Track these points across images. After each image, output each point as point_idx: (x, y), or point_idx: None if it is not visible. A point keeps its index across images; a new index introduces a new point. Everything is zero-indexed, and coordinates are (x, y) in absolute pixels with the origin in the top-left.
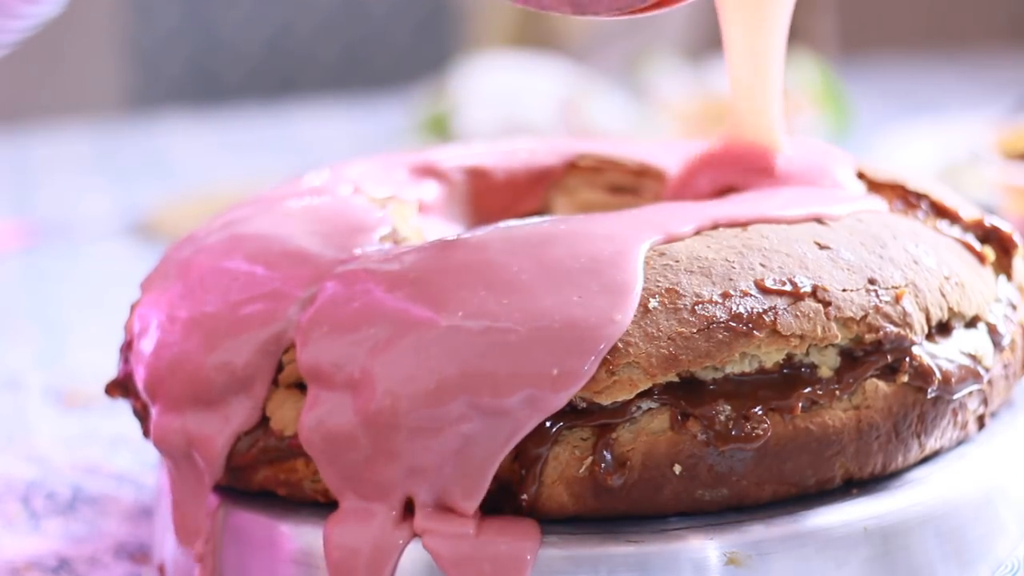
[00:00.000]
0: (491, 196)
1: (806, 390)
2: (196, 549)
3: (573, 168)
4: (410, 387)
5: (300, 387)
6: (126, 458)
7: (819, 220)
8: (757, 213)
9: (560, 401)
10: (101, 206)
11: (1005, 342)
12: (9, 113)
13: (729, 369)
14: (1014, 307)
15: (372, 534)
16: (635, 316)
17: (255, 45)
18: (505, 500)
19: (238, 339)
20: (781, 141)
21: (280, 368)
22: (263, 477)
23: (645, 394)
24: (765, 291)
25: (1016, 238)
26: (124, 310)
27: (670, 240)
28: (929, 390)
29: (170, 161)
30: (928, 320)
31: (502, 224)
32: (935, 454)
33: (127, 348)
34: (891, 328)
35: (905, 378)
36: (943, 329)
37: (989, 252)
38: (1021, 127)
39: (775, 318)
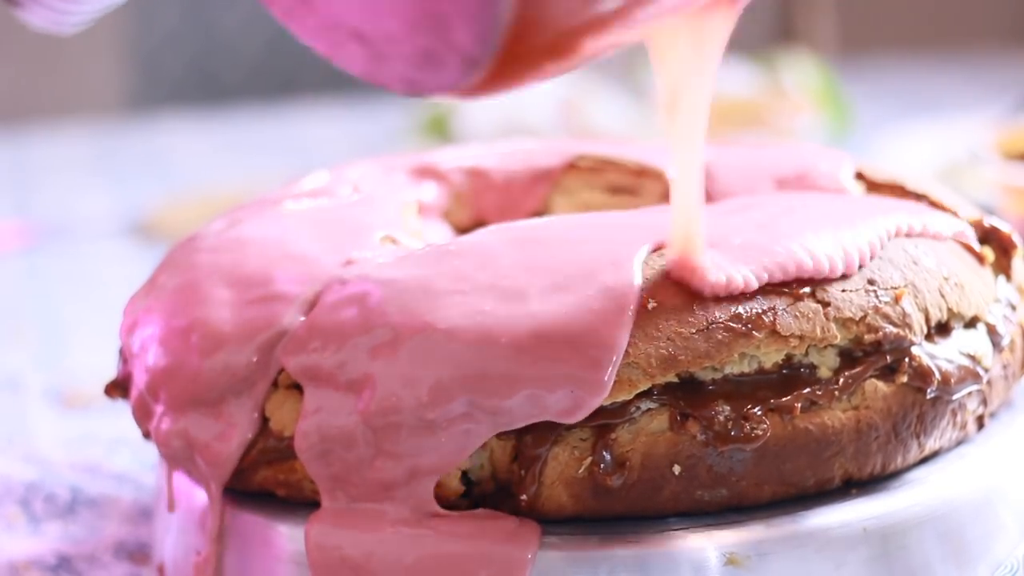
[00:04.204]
0: (491, 197)
1: (805, 390)
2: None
3: (572, 169)
4: (412, 387)
5: (299, 388)
6: (126, 458)
7: None
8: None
9: (580, 412)
10: (101, 206)
11: (1004, 342)
12: (9, 113)
13: (728, 369)
14: (1013, 307)
15: (370, 534)
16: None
17: (255, 46)
18: (504, 501)
19: (238, 341)
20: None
21: (280, 369)
22: (262, 477)
23: (644, 394)
24: (764, 291)
25: (1015, 238)
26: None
27: None
28: (928, 390)
29: (170, 162)
30: (927, 320)
31: (502, 225)
32: (934, 454)
33: (127, 349)
34: (890, 329)
35: (904, 379)
36: (942, 330)
37: (988, 252)
38: (1021, 127)
39: (774, 318)
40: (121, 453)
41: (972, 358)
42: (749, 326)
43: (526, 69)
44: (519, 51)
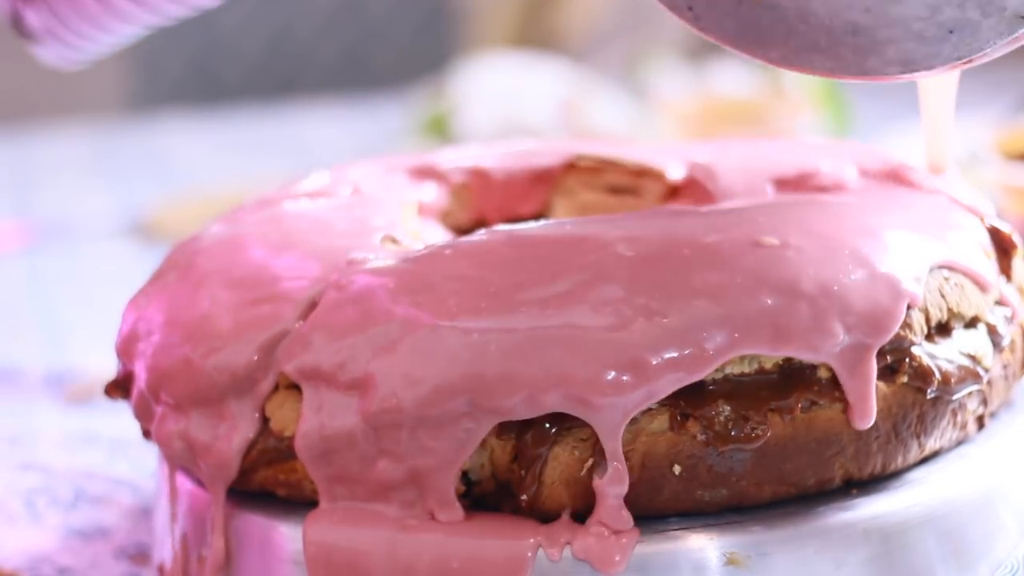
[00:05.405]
0: (491, 197)
1: (806, 391)
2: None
3: (572, 169)
4: (412, 387)
5: (299, 387)
6: (127, 459)
7: None
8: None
9: (588, 409)
10: (101, 207)
11: (1005, 343)
12: (9, 113)
13: (729, 370)
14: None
15: (368, 534)
16: None
17: (255, 45)
18: (505, 501)
19: (239, 341)
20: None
21: (281, 369)
22: (263, 477)
23: None
24: None
25: (1015, 239)
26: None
27: None
28: (928, 391)
29: (170, 162)
30: (928, 321)
31: (502, 227)
32: (935, 454)
33: (127, 349)
34: None
35: (904, 379)
36: (943, 330)
37: (988, 252)
38: (1021, 127)
39: None
40: (122, 453)
41: (972, 358)
42: None
43: None
44: None
